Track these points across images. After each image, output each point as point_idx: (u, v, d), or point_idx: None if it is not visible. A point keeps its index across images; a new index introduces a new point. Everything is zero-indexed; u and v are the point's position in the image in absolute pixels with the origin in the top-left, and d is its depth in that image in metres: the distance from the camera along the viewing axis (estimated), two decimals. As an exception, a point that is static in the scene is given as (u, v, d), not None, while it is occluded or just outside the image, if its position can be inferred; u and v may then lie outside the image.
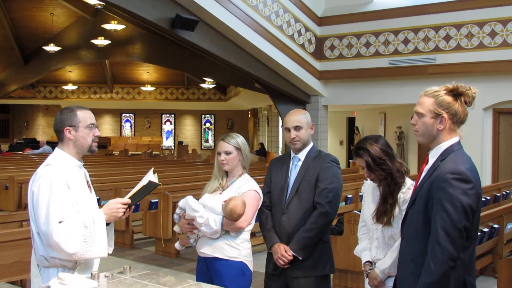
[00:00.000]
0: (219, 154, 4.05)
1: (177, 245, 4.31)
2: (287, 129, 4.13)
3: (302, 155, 4.13)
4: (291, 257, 3.93)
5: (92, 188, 3.64)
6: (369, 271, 3.71)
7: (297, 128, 4.07)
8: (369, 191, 3.81)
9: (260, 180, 4.26)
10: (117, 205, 3.42)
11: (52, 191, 3.25)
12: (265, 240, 4.14)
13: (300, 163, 4.11)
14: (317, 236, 3.95)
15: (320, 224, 3.92)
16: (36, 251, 3.38)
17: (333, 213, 3.98)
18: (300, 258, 3.94)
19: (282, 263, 3.95)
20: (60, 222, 3.21)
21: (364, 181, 4.00)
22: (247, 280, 3.96)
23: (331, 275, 4.18)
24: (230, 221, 3.85)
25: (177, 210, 4.10)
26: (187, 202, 3.97)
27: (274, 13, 13.01)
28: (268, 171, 4.32)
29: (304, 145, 4.12)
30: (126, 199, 3.46)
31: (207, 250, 3.94)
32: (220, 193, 4.03)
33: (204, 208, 3.90)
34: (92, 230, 3.27)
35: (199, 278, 4.01)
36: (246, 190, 3.97)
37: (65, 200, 3.27)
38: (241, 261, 3.92)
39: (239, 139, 4.10)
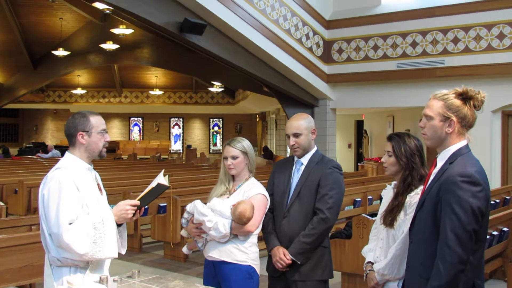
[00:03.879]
0: (226, 158, 4.07)
1: (184, 249, 4.31)
2: (287, 136, 4.15)
3: (305, 160, 4.14)
4: (290, 261, 3.95)
5: (103, 191, 3.69)
6: (369, 271, 3.71)
7: (296, 135, 4.08)
8: (388, 194, 3.81)
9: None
10: (126, 206, 3.48)
11: (62, 193, 3.31)
12: (265, 242, 4.17)
13: (302, 168, 4.12)
14: (316, 242, 3.97)
15: (319, 230, 3.93)
16: (48, 251, 3.43)
17: (333, 219, 3.99)
18: (299, 263, 3.96)
19: (281, 266, 3.98)
20: (70, 224, 3.27)
21: (387, 184, 3.99)
22: (255, 283, 3.98)
23: (340, 279, 4.17)
24: (239, 225, 3.86)
25: (185, 215, 4.11)
26: (195, 207, 3.98)
27: (282, 16, 13.02)
28: (271, 173, 4.35)
29: (305, 151, 4.12)
30: (135, 201, 3.51)
31: (215, 254, 3.96)
32: (228, 197, 4.04)
33: (212, 212, 3.91)
34: (102, 231, 3.32)
35: (207, 282, 4.03)
36: (254, 194, 3.99)
37: (74, 201, 3.33)
38: (249, 265, 3.95)
39: (245, 143, 4.11)
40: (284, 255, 3.96)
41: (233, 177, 4.14)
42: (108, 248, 3.35)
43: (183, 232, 4.20)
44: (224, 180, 4.14)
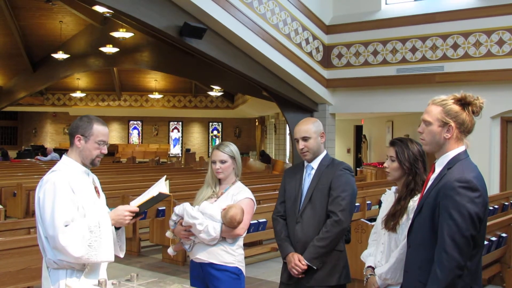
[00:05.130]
0: (214, 162, 4.12)
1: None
2: (296, 140, 4.14)
3: (315, 164, 4.12)
4: (305, 267, 3.91)
5: (102, 194, 3.69)
6: (369, 276, 3.71)
7: (305, 138, 4.07)
8: (388, 198, 3.81)
9: (269, 188, 4.28)
10: (124, 212, 3.47)
11: (57, 195, 3.31)
12: (279, 249, 4.14)
13: (313, 172, 4.10)
14: (331, 245, 3.92)
15: (333, 233, 3.88)
16: (45, 254, 3.43)
17: (347, 221, 3.94)
18: (315, 268, 3.92)
19: (296, 272, 3.93)
20: (66, 226, 3.27)
21: (386, 189, 3.99)
22: (242, 284, 4.06)
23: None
24: (229, 228, 3.92)
25: (173, 217, 4.14)
26: (185, 209, 4.02)
27: (282, 21, 13.04)
28: (282, 180, 4.34)
29: (315, 155, 4.11)
30: (135, 208, 3.51)
31: (203, 256, 4.01)
32: (215, 200, 4.09)
33: (203, 215, 3.94)
34: (97, 234, 3.32)
35: (194, 283, 4.08)
36: (242, 198, 4.05)
37: (69, 204, 3.33)
38: (236, 266, 4.02)
39: (233, 148, 4.18)
40: (299, 260, 3.91)
41: (219, 181, 4.19)
42: (104, 252, 3.34)
43: (168, 234, 4.23)
44: (211, 183, 4.19)
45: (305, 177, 4.14)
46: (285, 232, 4.10)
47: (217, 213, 3.94)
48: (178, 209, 4.09)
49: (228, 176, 4.15)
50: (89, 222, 3.33)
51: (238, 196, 4.06)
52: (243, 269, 4.08)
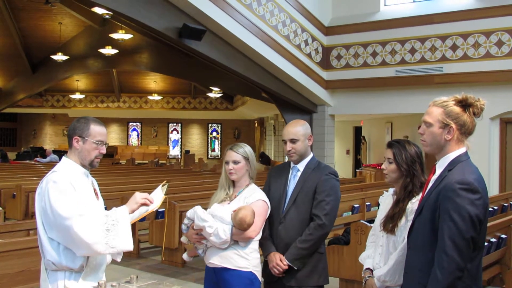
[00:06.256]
0: (227, 163, 4.05)
1: (185, 256, 4.28)
2: (284, 141, 4.16)
3: (301, 166, 4.15)
4: (286, 267, 3.96)
5: (100, 197, 3.67)
6: (368, 278, 3.71)
7: (293, 140, 4.08)
8: (386, 200, 3.81)
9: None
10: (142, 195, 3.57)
11: (63, 191, 3.29)
12: (261, 247, 4.14)
13: (299, 174, 4.13)
14: (313, 248, 3.98)
15: (316, 236, 3.94)
16: (44, 256, 3.41)
17: (330, 225, 4.01)
18: (295, 268, 3.97)
19: (277, 272, 3.98)
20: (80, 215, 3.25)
21: (384, 191, 4.00)
22: None
23: (338, 285, 4.16)
24: (240, 230, 3.85)
25: (185, 221, 4.08)
26: (196, 212, 3.95)
27: (281, 22, 13.04)
28: (267, 178, 4.35)
29: (301, 157, 4.14)
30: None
31: (216, 260, 3.93)
32: (228, 203, 4.02)
33: (213, 218, 3.90)
34: (114, 218, 3.32)
35: None
36: (254, 200, 3.97)
37: (77, 197, 3.31)
38: (250, 271, 3.92)
39: (247, 149, 4.10)
40: (281, 260, 3.96)
41: (233, 183, 4.12)
42: (122, 238, 3.32)
43: (183, 239, 4.17)
44: (225, 184, 4.11)
45: (291, 179, 4.17)
46: (267, 231, 4.12)
47: (228, 215, 3.88)
48: (189, 212, 4.03)
49: (242, 177, 4.07)
50: (103, 212, 3.35)
51: (251, 198, 3.99)
52: (258, 274, 3.98)
